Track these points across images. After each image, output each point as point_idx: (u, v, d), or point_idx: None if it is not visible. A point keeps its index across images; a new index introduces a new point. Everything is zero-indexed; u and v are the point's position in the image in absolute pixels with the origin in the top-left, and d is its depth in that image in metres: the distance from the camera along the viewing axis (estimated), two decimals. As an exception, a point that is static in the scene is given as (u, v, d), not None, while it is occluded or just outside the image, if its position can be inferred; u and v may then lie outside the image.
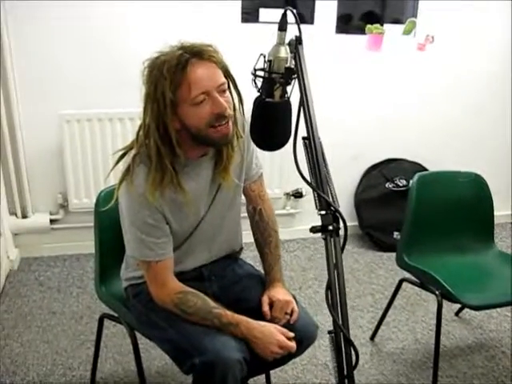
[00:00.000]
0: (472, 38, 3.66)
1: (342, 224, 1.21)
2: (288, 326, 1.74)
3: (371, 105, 3.64)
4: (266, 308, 1.79)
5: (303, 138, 1.23)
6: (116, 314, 2.03)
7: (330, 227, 1.16)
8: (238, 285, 1.90)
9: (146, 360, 2.48)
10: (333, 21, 3.55)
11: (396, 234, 3.56)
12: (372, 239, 3.68)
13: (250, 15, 3.39)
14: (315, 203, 1.19)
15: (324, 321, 2.83)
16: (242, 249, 2.02)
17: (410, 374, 2.52)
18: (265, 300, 1.81)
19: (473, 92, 3.80)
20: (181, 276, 1.77)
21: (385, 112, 3.66)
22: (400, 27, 3.66)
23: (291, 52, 1.27)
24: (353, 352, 1.16)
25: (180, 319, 1.68)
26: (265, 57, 1.31)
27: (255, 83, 1.33)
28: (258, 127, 1.35)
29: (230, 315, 1.66)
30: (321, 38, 3.46)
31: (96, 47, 3.11)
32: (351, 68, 3.52)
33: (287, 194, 3.59)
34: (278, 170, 3.46)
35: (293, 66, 1.26)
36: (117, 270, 1.97)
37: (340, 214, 1.17)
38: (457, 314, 2.98)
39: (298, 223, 3.71)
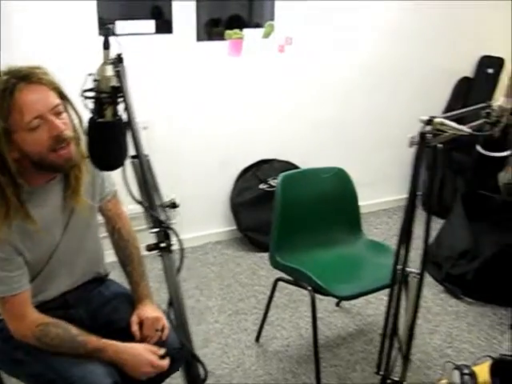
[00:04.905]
0: (330, 37, 3.78)
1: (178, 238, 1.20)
2: (160, 342, 1.73)
3: (239, 109, 3.67)
4: (134, 328, 1.77)
5: (131, 157, 1.22)
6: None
7: (163, 244, 1.16)
8: (106, 307, 1.87)
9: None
10: (193, 28, 3.55)
11: (274, 234, 3.62)
12: (251, 241, 3.71)
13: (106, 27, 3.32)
14: (147, 221, 1.19)
15: (208, 329, 2.84)
16: (107, 274, 1.98)
17: (295, 369, 2.58)
18: (133, 320, 1.79)
19: (334, 89, 3.93)
20: (44, 306, 1.72)
21: (253, 115, 3.72)
22: (261, 31, 3.74)
23: (115, 70, 1.25)
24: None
25: (45, 351, 1.62)
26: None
27: (88, 104, 1.30)
28: (93, 148, 1.32)
29: (95, 341, 1.63)
30: (181, 46, 3.45)
31: None
32: (214, 75, 3.53)
33: (161, 206, 3.54)
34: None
35: (118, 85, 1.24)
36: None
37: (172, 229, 1.17)
38: (337, 304, 3.08)
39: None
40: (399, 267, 1.50)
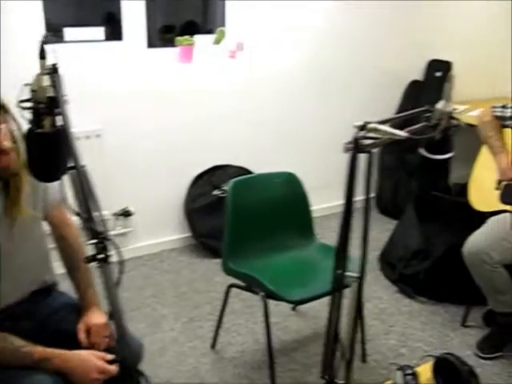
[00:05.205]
0: (279, 41, 3.81)
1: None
2: (110, 348, 1.72)
3: (191, 115, 3.65)
4: (81, 336, 1.77)
5: (69, 168, 1.21)
6: None
7: (100, 256, 1.15)
8: (54, 318, 1.85)
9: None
10: (143, 35, 3.52)
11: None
12: (206, 247, 3.70)
13: (54, 35, 3.27)
14: (84, 233, 1.17)
15: (163, 337, 2.82)
16: (55, 284, 1.95)
17: (251, 375, 2.58)
18: (80, 328, 1.79)
19: (286, 93, 3.95)
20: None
21: (205, 121, 3.70)
22: (212, 37, 3.73)
23: (51, 80, 1.23)
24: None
25: None
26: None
27: (25, 115, 1.28)
28: (32, 159, 1.29)
29: (41, 350, 1.61)
30: (131, 53, 3.42)
31: None
32: (165, 82, 3.50)
33: (115, 214, 3.51)
34: (100, 192, 3.35)
35: (55, 95, 1.22)
36: None
37: (110, 240, 1.16)
38: (293, 308, 3.09)
39: (132, 242, 3.62)
40: (339, 271, 1.52)
